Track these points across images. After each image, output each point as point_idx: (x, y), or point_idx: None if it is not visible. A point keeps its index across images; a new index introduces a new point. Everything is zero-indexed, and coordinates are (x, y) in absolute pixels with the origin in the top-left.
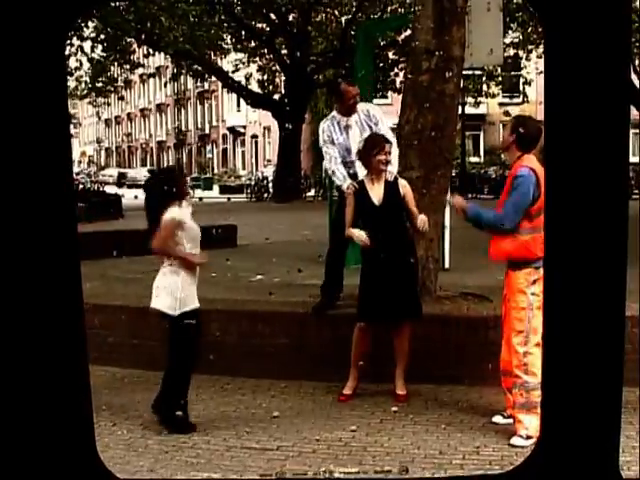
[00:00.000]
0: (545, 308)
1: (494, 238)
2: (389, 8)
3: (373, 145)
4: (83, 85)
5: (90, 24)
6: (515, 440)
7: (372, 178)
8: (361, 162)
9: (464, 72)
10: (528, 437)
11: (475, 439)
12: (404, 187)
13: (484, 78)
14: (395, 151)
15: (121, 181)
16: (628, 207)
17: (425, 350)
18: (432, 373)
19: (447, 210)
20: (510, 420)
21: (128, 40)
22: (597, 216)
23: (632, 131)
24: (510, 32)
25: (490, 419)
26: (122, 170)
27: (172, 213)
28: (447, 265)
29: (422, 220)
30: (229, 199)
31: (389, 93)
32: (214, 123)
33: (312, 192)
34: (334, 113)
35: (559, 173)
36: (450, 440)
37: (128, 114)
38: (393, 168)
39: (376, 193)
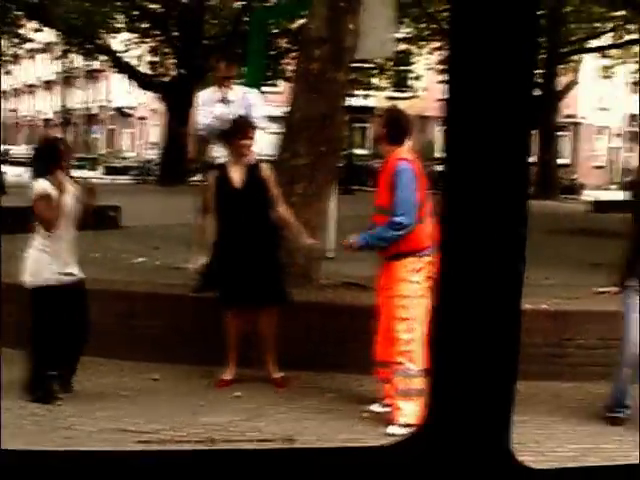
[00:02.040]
0: (438, 297)
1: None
2: None
3: (238, 128)
4: None
5: None
6: (392, 428)
7: (234, 161)
8: (224, 144)
9: (354, 64)
10: (406, 425)
11: (354, 426)
12: (266, 171)
13: (374, 71)
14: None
15: (4, 158)
16: (528, 204)
17: (306, 337)
18: (313, 360)
19: (333, 198)
20: (387, 409)
21: (17, 13)
22: (495, 210)
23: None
24: (402, 27)
25: (369, 407)
26: (5, 147)
27: (39, 186)
28: (331, 254)
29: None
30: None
31: (280, 81)
32: (102, 103)
33: (198, 177)
34: (215, 87)
35: (457, 168)
36: (329, 427)
37: (15, 90)
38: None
39: (237, 176)
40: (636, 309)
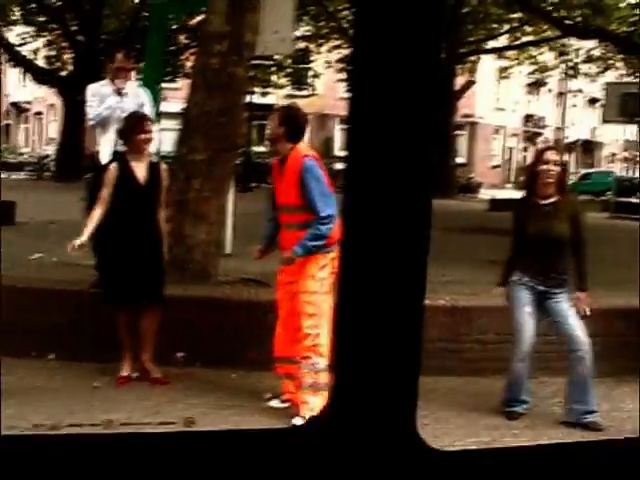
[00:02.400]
0: (339, 293)
1: (286, 232)
2: None
3: (136, 123)
4: None
5: None
6: (298, 421)
7: (133, 157)
8: (122, 140)
9: (253, 62)
10: None
11: (254, 423)
12: (164, 172)
13: (273, 68)
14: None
15: None
16: (431, 202)
17: (204, 334)
18: (211, 357)
19: (230, 194)
20: (287, 404)
21: None
22: (398, 208)
23: None
24: (302, 25)
25: (269, 403)
26: None
27: None
28: (228, 250)
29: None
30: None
31: (179, 77)
32: None
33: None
34: (108, 80)
35: (359, 165)
36: (231, 423)
37: None
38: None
39: (138, 173)
40: (523, 303)
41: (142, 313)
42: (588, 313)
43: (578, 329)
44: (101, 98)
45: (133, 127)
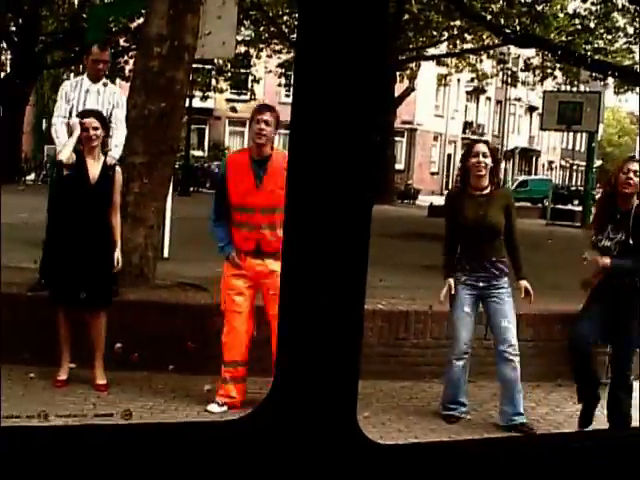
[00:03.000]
0: (283, 294)
1: (255, 233)
2: None
3: (79, 117)
4: None
5: None
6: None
7: (87, 156)
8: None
9: (193, 65)
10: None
11: None
12: (119, 174)
13: (213, 72)
14: (120, 138)
15: None
16: (371, 208)
17: (142, 338)
18: (147, 360)
19: (169, 198)
20: (225, 408)
21: None
22: (339, 214)
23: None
24: (242, 29)
25: (205, 407)
26: None
27: None
28: (166, 254)
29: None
30: None
31: (117, 80)
32: None
33: (32, 176)
34: (84, 76)
35: (301, 171)
36: None
37: None
38: (115, 154)
39: (90, 173)
40: (462, 303)
41: (90, 317)
42: (532, 298)
43: (510, 332)
44: (73, 96)
45: (82, 124)
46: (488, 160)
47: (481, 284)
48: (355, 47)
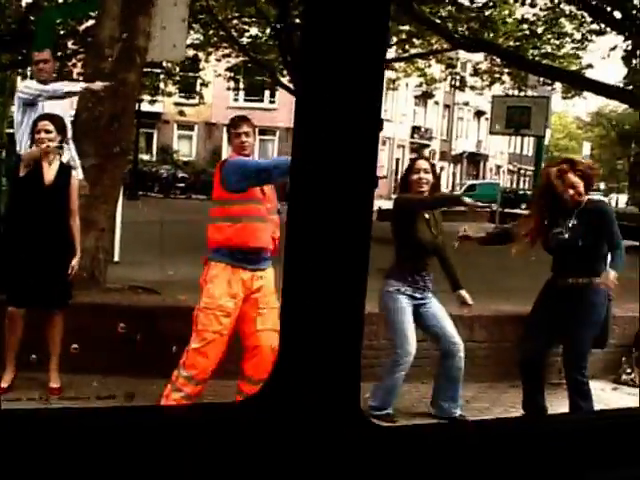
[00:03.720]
0: (288, 278)
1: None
2: None
3: (36, 123)
4: None
5: None
6: None
7: (43, 159)
8: (29, 138)
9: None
10: None
11: None
12: (75, 178)
13: (162, 76)
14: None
15: None
16: (372, 216)
17: (93, 341)
18: (99, 364)
19: (120, 201)
20: None
21: None
22: (340, 222)
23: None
24: (191, 33)
25: None
26: None
27: None
28: (117, 258)
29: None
30: None
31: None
32: None
33: None
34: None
35: (304, 175)
36: None
37: None
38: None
39: (46, 176)
40: (405, 313)
41: (46, 319)
42: (470, 302)
43: (452, 330)
44: (27, 98)
45: (35, 126)
46: (429, 176)
47: (418, 295)
48: (358, 48)
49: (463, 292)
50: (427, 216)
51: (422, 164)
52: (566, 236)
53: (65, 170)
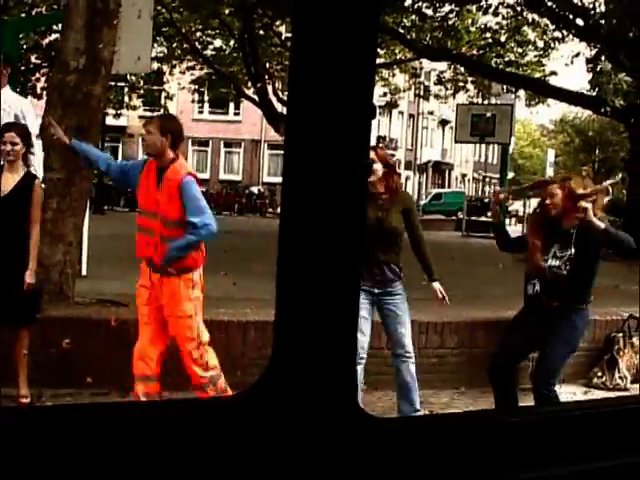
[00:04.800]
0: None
1: (162, 245)
2: (35, 10)
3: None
4: None
5: None
6: None
7: (6, 168)
8: None
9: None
10: None
11: None
12: (38, 188)
13: (126, 89)
14: (39, 153)
15: None
16: (364, 220)
17: (63, 355)
18: (71, 378)
19: (87, 215)
20: None
21: None
22: (333, 213)
23: (269, 152)
24: (155, 46)
25: None
26: None
27: None
28: (84, 272)
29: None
30: None
31: (29, 98)
32: None
33: None
34: None
35: (296, 180)
36: None
37: None
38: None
39: (5, 184)
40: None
41: (11, 335)
42: (448, 302)
43: (406, 335)
44: None
45: (2, 138)
46: (377, 165)
47: (376, 290)
48: (349, 55)
49: (437, 285)
50: (374, 205)
51: (372, 155)
52: (570, 254)
53: (29, 180)
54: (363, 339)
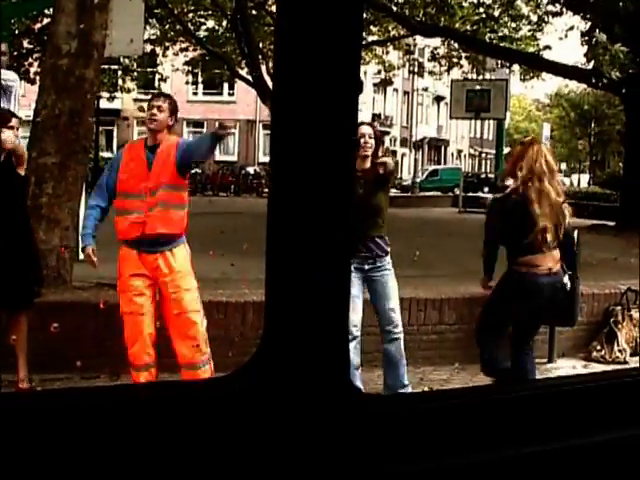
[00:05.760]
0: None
1: (150, 213)
2: None
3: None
4: None
5: None
6: None
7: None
8: None
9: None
10: None
11: None
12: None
13: (119, 72)
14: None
15: None
16: (352, 202)
17: (63, 339)
18: (71, 363)
19: (82, 199)
20: None
21: None
22: (321, 205)
23: (264, 132)
24: (148, 28)
25: None
26: None
27: None
28: (81, 256)
29: None
30: None
31: (22, 83)
32: None
33: None
34: None
35: (284, 162)
36: None
37: None
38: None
39: None
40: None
41: (11, 320)
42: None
43: (395, 311)
44: None
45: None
46: (372, 141)
47: (366, 266)
48: (335, 29)
49: None
50: (360, 180)
51: (365, 129)
52: None
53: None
54: (355, 317)
